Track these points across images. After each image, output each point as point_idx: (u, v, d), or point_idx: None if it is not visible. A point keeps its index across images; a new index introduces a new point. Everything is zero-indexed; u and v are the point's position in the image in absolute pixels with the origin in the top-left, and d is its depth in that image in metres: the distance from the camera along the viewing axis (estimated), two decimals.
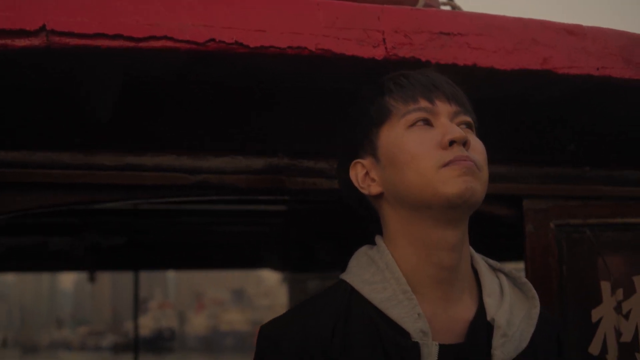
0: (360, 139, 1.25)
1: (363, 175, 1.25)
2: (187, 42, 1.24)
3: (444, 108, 1.20)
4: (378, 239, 1.27)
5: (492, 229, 2.32)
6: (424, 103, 1.19)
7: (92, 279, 5.58)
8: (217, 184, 1.60)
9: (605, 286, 1.87)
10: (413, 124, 1.18)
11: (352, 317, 1.16)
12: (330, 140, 1.55)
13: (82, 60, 1.27)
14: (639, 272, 1.89)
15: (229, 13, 1.27)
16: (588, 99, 1.67)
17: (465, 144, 1.15)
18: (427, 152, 1.15)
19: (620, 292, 1.88)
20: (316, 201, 3.29)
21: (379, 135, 1.22)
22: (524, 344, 1.19)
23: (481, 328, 1.19)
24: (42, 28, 1.18)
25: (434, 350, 1.12)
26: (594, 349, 1.82)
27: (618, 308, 1.87)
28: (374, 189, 1.23)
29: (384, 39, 1.34)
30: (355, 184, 1.26)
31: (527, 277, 1.82)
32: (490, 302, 1.21)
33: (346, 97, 1.32)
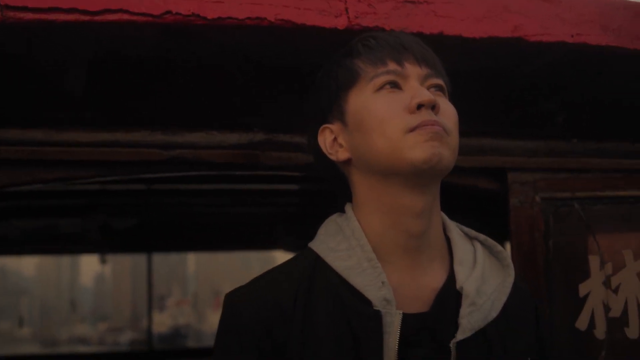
0: (328, 104, 1.22)
1: (331, 141, 1.21)
2: (144, 14, 1.24)
3: (413, 71, 1.16)
4: (347, 206, 1.24)
5: (477, 204, 2.29)
6: (392, 66, 1.15)
7: (103, 261, 5.64)
8: (191, 160, 1.60)
9: (593, 260, 1.84)
10: (381, 88, 1.15)
11: (316, 285, 1.15)
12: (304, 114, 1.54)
13: (42, 34, 1.27)
14: (629, 246, 1.85)
15: None
16: (570, 69, 1.63)
17: (434, 107, 1.12)
18: (394, 116, 1.12)
19: (609, 267, 1.84)
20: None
21: (347, 99, 1.18)
22: (494, 314, 1.16)
23: (450, 297, 1.16)
24: None
25: (397, 318, 1.10)
26: (581, 324, 1.79)
27: (607, 282, 1.83)
28: (342, 155, 1.20)
29: (346, 8, 1.32)
30: (324, 150, 1.22)
31: (512, 252, 1.80)
32: (460, 271, 1.18)
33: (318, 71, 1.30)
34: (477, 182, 1.82)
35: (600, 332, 1.81)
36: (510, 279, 1.21)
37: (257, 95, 1.62)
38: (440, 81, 1.18)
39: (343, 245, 1.17)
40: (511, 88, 1.75)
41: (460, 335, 1.12)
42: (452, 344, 1.11)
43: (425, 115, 1.11)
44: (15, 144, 1.53)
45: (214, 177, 2.96)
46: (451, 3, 1.38)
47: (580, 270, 1.82)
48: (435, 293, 1.17)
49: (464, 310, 1.13)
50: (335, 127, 1.21)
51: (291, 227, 5.07)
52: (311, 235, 1.26)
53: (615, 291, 1.83)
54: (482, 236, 1.28)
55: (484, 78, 1.68)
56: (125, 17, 1.23)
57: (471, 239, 1.28)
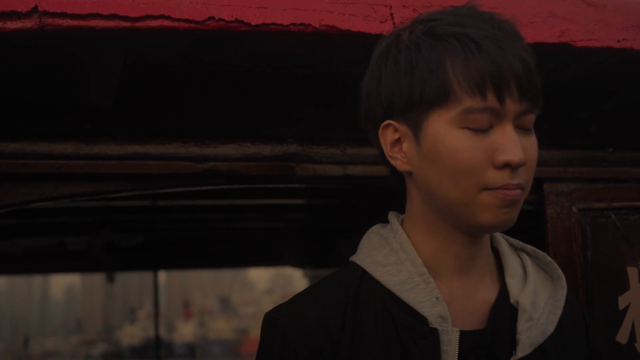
0: (401, 101, 1.05)
1: (393, 141, 1.08)
2: (186, 20, 1.20)
3: (512, 108, 1.00)
4: (391, 216, 1.17)
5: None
6: (492, 101, 0.99)
7: (110, 280, 5.56)
8: (225, 172, 1.55)
9: (632, 272, 1.79)
10: (471, 126, 1.01)
11: (363, 302, 1.09)
12: (338, 125, 1.50)
13: (78, 42, 1.23)
14: None
15: None
16: (612, 75, 1.60)
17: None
18: (475, 169, 1.00)
19: None
20: (337, 195, 3.23)
21: (428, 115, 1.03)
22: (551, 328, 1.11)
23: (504, 312, 1.11)
24: (35, 9, 1.14)
25: (455, 336, 1.04)
26: (622, 337, 1.74)
27: None
28: (403, 166, 1.08)
29: (391, 14, 1.29)
30: (384, 150, 1.09)
31: None
32: (513, 284, 1.13)
33: (356, 81, 1.25)
34: None
35: None
36: (563, 291, 1.16)
37: (291, 105, 1.58)
38: (534, 116, 1.05)
39: (391, 258, 1.11)
40: (547, 96, 1.71)
41: (520, 353, 1.06)
42: None
43: (508, 177, 1.00)
44: (43, 158, 1.47)
45: (221, 192, 2.91)
46: (497, 8, 1.33)
47: (619, 282, 1.78)
48: (488, 308, 1.11)
49: (521, 325, 1.08)
50: (402, 128, 1.06)
51: (298, 242, 5.02)
52: (319, 251, 1.21)
53: None
54: (529, 247, 1.22)
55: None
56: (167, 23, 1.19)
57: (517, 250, 1.22)
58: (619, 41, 1.41)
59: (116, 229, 4.21)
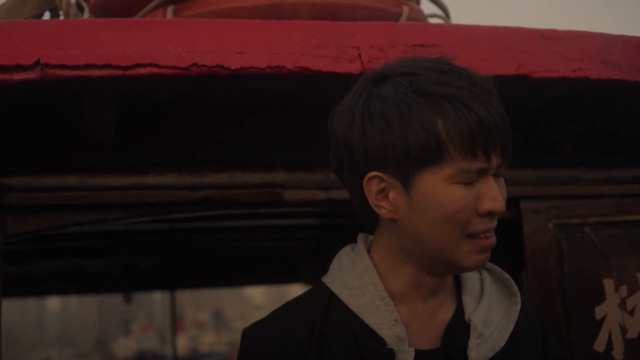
0: (397, 160, 1.11)
1: (378, 190, 1.15)
2: (171, 67, 1.33)
3: (495, 163, 1.13)
4: (360, 239, 1.28)
5: None
6: (480, 161, 1.10)
7: (128, 300, 5.71)
8: (218, 200, 1.68)
9: (608, 284, 1.88)
10: (460, 182, 1.11)
11: (330, 322, 1.20)
12: (322, 152, 1.62)
13: (77, 89, 1.37)
14: None
15: (209, 38, 1.36)
16: (575, 102, 1.70)
17: None
18: (466, 217, 1.11)
19: (624, 289, 1.88)
20: (349, 214, 3.32)
21: (421, 172, 1.11)
22: (502, 343, 1.21)
23: (459, 329, 1.21)
24: (37, 62, 1.28)
25: (410, 356, 1.15)
26: (599, 346, 1.83)
27: (622, 305, 1.87)
28: (388, 214, 1.15)
29: (359, 54, 1.41)
30: (369, 199, 1.16)
31: (528, 279, 1.85)
32: (468, 302, 1.24)
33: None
34: None
35: (618, 353, 1.84)
36: (517, 306, 1.26)
37: (279, 134, 1.71)
38: (507, 163, 1.17)
39: (357, 282, 1.21)
40: (520, 121, 1.82)
41: None
42: None
43: (488, 222, 1.14)
44: (50, 190, 1.61)
45: (236, 215, 3.03)
46: (458, 45, 1.46)
47: (596, 294, 1.87)
48: (445, 326, 1.22)
49: (472, 342, 1.18)
50: (389, 179, 1.13)
51: (312, 260, 5.13)
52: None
53: (631, 313, 1.87)
54: (488, 264, 1.31)
55: None
56: (155, 70, 1.33)
57: None
58: (574, 71, 1.51)
59: (134, 251, 4.36)
